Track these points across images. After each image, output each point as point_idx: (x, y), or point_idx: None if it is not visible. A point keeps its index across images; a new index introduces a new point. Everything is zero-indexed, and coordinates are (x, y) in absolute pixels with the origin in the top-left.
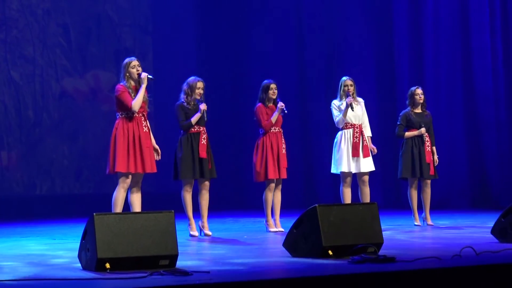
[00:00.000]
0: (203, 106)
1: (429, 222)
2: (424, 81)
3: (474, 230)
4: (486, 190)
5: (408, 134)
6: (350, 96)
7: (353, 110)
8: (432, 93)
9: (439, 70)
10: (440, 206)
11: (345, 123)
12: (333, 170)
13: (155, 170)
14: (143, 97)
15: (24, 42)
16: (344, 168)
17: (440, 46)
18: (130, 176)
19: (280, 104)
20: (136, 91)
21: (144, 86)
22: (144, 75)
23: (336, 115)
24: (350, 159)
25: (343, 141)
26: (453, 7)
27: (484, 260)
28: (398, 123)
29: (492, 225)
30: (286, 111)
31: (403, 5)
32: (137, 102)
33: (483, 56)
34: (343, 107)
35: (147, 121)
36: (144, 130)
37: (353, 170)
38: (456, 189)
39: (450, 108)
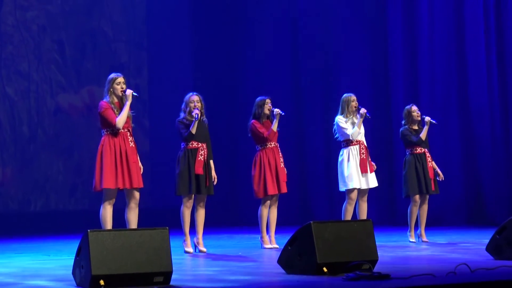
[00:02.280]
0: (195, 112)
1: (424, 238)
2: (419, 97)
3: (469, 247)
4: (481, 207)
5: (423, 133)
6: (362, 107)
7: (369, 117)
8: (427, 109)
9: (434, 86)
10: (435, 223)
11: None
12: (341, 188)
13: (141, 185)
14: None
15: (19, 58)
16: (356, 184)
17: (435, 62)
18: (116, 193)
19: (276, 111)
20: (119, 107)
21: (128, 103)
22: (129, 92)
23: (348, 128)
24: (360, 175)
25: (351, 157)
26: (448, 23)
27: (479, 277)
28: (405, 134)
29: (487, 242)
30: (283, 113)
31: (398, 21)
32: (121, 119)
33: (479, 72)
34: (354, 120)
35: (132, 136)
36: (131, 145)
37: (363, 186)
38: (451, 205)
39: (445, 124)
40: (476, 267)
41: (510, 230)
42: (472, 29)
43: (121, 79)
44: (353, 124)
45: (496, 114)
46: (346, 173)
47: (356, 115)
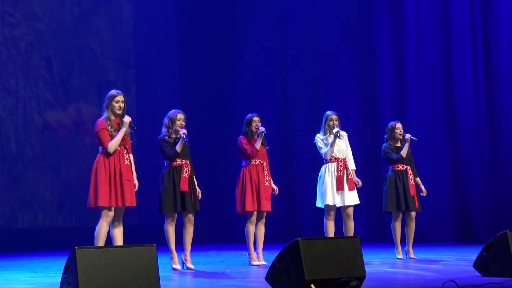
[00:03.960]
0: (182, 131)
1: (412, 255)
2: (407, 115)
3: (457, 263)
4: (469, 224)
5: (404, 151)
6: (336, 127)
7: (340, 138)
8: (414, 126)
9: (421, 104)
10: (422, 240)
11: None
12: (318, 204)
13: (134, 204)
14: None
15: (6, 75)
16: (329, 201)
17: (422, 80)
18: (112, 210)
19: (260, 129)
20: (116, 125)
21: (124, 129)
22: (127, 119)
23: (322, 147)
24: (334, 192)
25: (327, 174)
26: (435, 42)
27: None
28: (386, 152)
29: (475, 259)
30: (265, 131)
31: (386, 37)
32: (113, 144)
33: (466, 90)
34: (329, 139)
35: (130, 154)
36: (126, 163)
37: (338, 204)
38: (438, 222)
39: (432, 142)
40: (463, 284)
41: (497, 247)
42: (459, 47)
43: (120, 98)
44: (329, 142)
45: (483, 131)
46: (321, 189)
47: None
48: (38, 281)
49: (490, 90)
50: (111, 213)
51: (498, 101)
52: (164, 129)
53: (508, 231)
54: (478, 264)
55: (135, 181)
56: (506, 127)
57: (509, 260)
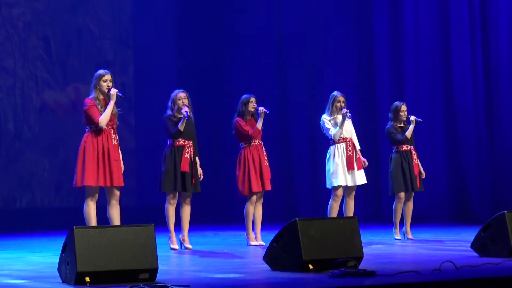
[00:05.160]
0: (184, 109)
1: (410, 236)
2: (404, 97)
3: (454, 244)
4: (466, 204)
5: (408, 132)
6: (344, 108)
7: (349, 118)
8: (412, 109)
9: (419, 86)
10: (420, 220)
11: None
12: (328, 184)
13: (122, 184)
14: (112, 111)
15: (4, 55)
16: (341, 182)
17: (420, 62)
18: (98, 189)
19: (261, 109)
20: (105, 104)
21: (112, 102)
22: (113, 91)
23: (331, 128)
24: (346, 172)
25: (337, 155)
26: (434, 24)
27: (464, 275)
28: (391, 132)
29: (472, 240)
30: (268, 111)
31: (383, 19)
32: (104, 118)
33: (463, 71)
34: (337, 120)
35: (116, 134)
36: (113, 143)
37: (349, 183)
38: (436, 203)
39: (430, 124)
40: (461, 264)
41: (495, 228)
42: (457, 28)
43: (108, 77)
44: (336, 123)
45: (481, 113)
46: (331, 170)
47: (340, 114)
48: (37, 260)
49: (488, 72)
50: (97, 193)
51: (496, 83)
52: (168, 111)
53: (505, 211)
54: (476, 245)
55: (121, 162)
56: (504, 108)
57: (507, 241)
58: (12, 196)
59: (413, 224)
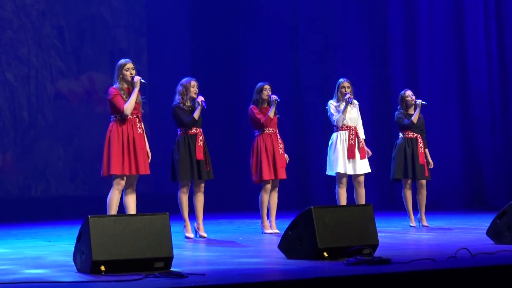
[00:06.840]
0: (200, 98)
1: (425, 223)
2: (419, 82)
3: (469, 231)
4: (481, 191)
5: (415, 116)
6: (348, 93)
7: (350, 103)
8: (426, 95)
9: (433, 72)
10: (434, 207)
11: (341, 124)
12: (329, 171)
13: (148, 172)
14: (136, 100)
15: (18, 43)
16: (340, 169)
17: (434, 47)
18: (124, 178)
19: (273, 97)
20: (129, 93)
21: (136, 89)
22: (137, 78)
23: (335, 114)
24: (346, 160)
25: (339, 142)
26: (448, 9)
27: (479, 262)
28: (398, 118)
29: (488, 227)
30: (278, 100)
31: (398, 7)
32: (129, 106)
33: (478, 57)
34: (342, 106)
35: (142, 122)
36: (138, 132)
37: (349, 172)
38: (450, 190)
39: (444, 109)
40: (476, 252)
41: (511, 215)
42: (472, 14)
43: (130, 65)
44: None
45: (496, 98)
46: (332, 157)
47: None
48: (52, 249)
49: (503, 57)
50: (123, 182)
51: (511, 67)
52: (178, 97)
53: None
54: (491, 232)
55: (148, 151)
56: None
57: None
58: (27, 185)
59: (428, 211)
